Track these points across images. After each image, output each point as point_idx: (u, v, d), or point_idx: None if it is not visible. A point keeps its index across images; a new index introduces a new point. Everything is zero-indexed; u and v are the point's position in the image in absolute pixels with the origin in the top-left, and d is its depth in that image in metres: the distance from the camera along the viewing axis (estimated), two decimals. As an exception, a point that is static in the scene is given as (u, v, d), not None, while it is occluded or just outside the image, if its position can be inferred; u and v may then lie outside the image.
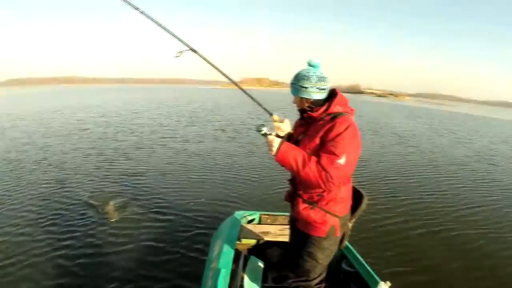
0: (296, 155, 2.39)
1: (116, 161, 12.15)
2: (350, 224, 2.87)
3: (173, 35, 2.92)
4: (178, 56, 2.91)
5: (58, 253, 5.66)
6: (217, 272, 3.27)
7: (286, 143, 2.48)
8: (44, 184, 9.28)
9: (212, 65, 2.99)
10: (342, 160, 2.30)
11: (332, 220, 2.65)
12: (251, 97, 3.08)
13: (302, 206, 2.70)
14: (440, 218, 7.77)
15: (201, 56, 2.95)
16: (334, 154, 2.31)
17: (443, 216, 7.90)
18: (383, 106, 59.69)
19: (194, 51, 2.94)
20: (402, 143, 18.40)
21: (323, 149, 2.39)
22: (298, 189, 2.77)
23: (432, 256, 6.02)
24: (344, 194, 2.68)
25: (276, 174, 10.69)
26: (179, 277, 5.04)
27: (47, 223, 6.76)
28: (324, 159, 2.32)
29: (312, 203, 2.66)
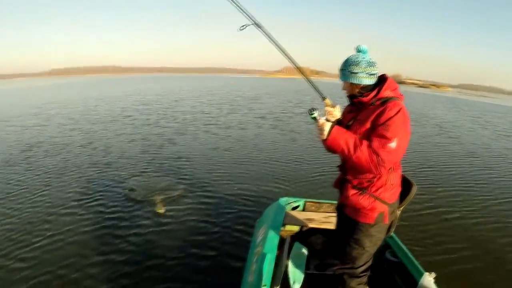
0: (347, 138, 2.38)
1: (160, 146, 12.41)
2: (398, 212, 2.83)
3: (239, 7, 2.91)
4: (242, 29, 2.98)
5: (104, 231, 5.83)
6: (262, 256, 3.27)
7: (337, 127, 2.47)
8: (90, 167, 9.59)
9: (275, 42, 2.91)
10: (393, 144, 2.29)
11: (381, 206, 2.62)
12: (307, 79, 2.98)
13: (351, 192, 2.68)
14: (478, 209, 7.55)
15: (264, 32, 2.91)
16: (386, 137, 2.30)
17: (483, 208, 7.66)
18: (424, 97, 57.81)
19: (258, 26, 2.92)
20: (442, 133, 17.90)
21: (374, 133, 2.37)
22: (347, 174, 2.75)
23: (470, 246, 5.88)
24: (394, 181, 2.65)
25: (320, 162, 10.63)
26: (224, 256, 5.11)
27: (93, 203, 6.97)
28: (376, 142, 2.32)
29: (361, 189, 2.64)
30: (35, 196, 7.30)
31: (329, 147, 2.47)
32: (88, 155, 10.84)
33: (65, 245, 5.37)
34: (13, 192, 7.50)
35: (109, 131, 15.02)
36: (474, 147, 14.99)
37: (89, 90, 47.04)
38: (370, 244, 2.74)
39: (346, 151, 2.35)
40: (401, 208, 2.86)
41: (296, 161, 10.70)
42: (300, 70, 3.03)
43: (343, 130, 2.46)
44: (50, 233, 5.72)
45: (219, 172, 9.26)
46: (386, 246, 3.89)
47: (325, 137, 2.43)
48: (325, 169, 9.82)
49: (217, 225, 6.09)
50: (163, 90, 44.09)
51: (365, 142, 2.34)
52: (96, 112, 21.51)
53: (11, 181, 8.27)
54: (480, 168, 11.38)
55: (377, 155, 2.28)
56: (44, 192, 7.52)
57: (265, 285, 2.85)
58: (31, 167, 9.48)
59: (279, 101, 31.59)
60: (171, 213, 6.48)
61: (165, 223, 6.08)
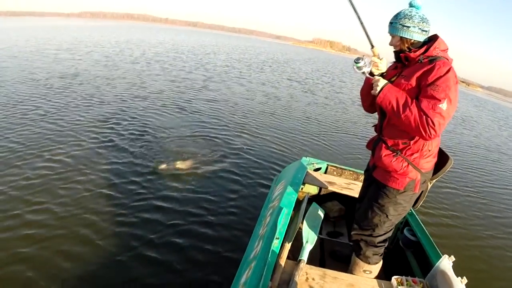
0: (398, 96, 2.28)
1: (191, 92, 12.91)
2: (429, 184, 2.66)
3: None
4: None
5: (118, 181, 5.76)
6: (278, 210, 3.23)
7: (390, 85, 2.37)
8: (125, 98, 10.26)
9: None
10: (444, 105, 2.14)
11: (413, 173, 2.49)
12: (361, 22, 2.56)
13: (384, 152, 2.55)
14: (489, 197, 7.87)
15: None
16: (436, 98, 2.15)
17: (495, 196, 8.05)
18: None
19: None
20: (463, 124, 18.55)
21: (423, 93, 2.24)
22: (383, 134, 2.62)
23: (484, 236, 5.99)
24: (432, 148, 2.49)
25: (349, 131, 10.85)
26: (241, 209, 5.13)
27: (121, 143, 7.06)
28: (425, 103, 2.17)
29: (396, 150, 2.51)
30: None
31: (380, 103, 2.36)
32: (125, 88, 11.66)
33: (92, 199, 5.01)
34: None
35: (143, 73, 15.69)
36: (489, 142, 15.37)
37: (122, 34, 47.40)
38: (394, 213, 2.63)
39: (396, 108, 2.26)
40: (433, 181, 2.69)
41: (325, 127, 10.86)
42: (355, 11, 2.56)
43: (395, 88, 2.35)
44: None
45: (245, 125, 9.49)
46: (404, 224, 3.81)
47: (377, 92, 2.35)
48: (352, 141, 9.95)
49: (236, 180, 6.08)
50: (196, 43, 44.40)
51: (416, 102, 2.21)
52: (132, 54, 22.24)
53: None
54: (489, 160, 11.88)
55: (427, 116, 2.13)
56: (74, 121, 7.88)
57: (278, 238, 2.81)
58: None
59: (311, 69, 31.80)
60: (196, 165, 6.42)
61: (187, 176, 5.96)
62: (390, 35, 2.49)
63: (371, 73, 2.57)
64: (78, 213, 4.51)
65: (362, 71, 2.50)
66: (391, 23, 2.45)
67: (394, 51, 2.55)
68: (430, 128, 2.14)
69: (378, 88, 2.35)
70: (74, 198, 4.88)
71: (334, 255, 3.69)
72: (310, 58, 46.55)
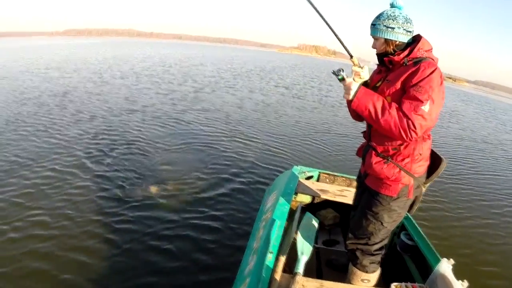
0: (374, 100, 2.23)
1: (182, 103, 13.16)
2: (423, 189, 2.61)
3: None
4: None
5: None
6: (271, 223, 3.18)
7: (364, 88, 2.32)
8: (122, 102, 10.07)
9: (320, 15, 2.52)
10: (426, 107, 2.11)
11: (406, 179, 2.44)
12: (336, 35, 2.57)
13: (375, 160, 2.51)
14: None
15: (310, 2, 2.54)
16: (418, 99, 2.12)
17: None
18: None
19: None
20: (451, 118, 19.37)
21: (406, 95, 2.20)
22: (372, 141, 2.58)
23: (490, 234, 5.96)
24: (423, 152, 2.44)
25: (340, 134, 10.99)
26: (231, 222, 5.12)
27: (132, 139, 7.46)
28: (407, 105, 2.14)
29: (386, 157, 2.46)
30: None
31: (355, 109, 2.31)
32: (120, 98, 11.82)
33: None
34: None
35: (133, 88, 15.81)
36: (473, 134, 15.89)
37: (108, 50, 47.32)
38: (389, 220, 2.58)
39: (373, 113, 2.21)
40: (427, 185, 2.64)
41: (314, 133, 10.84)
42: (335, 34, 2.56)
43: (370, 91, 2.31)
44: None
45: (236, 135, 9.56)
46: (401, 228, 3.72)
47: (351, 97, 2.29)
48: (343, 143, 10.01)
49: (226, 191, 6.08)
50: (182, 56, 44.61)
51: (394, 105, 2.18)
52: (121, 69, 22.48)
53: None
54: (475, 150, 12.35)
55: (408, 118, 2.10)
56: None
57: (271, 252, 2.76)
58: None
59: (298, 74, 32.19)
60: (176, 168, 6.71)
61: (176, 190, 6.00)
62: (373, 37, 2.42)
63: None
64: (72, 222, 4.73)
65: (345, 81, 2.44)
66: (373, 24, 2.38)
67: (377, 54, 2.49)
68: (411, 131, 2.11)
69: (352, 93, 2.30)
70: (68, 207, 5.17)
71: (331, 264, 3.61)
72: (296, 64, 47.01)
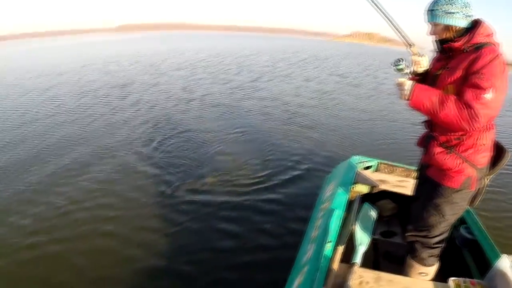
0: (431, 95, 2.15)
1: (239, 92, 13.47)
2: (486, 181, 2.51)
3: None
4: None
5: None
6: (330, 212, 3.18)
7: (418, 85, 2.23)
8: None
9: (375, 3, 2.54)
10: (489, 95, 2.00)
11: (469, 170, 2.35)
12: (392, 23, 2.54)
13: (437, 150, 2.44)
14: None
15: None
16: (480, 87, 2.02)
17: None
18: None
19: None
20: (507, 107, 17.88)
21: (467, 83, 2.11)
22: (434, 131, 2.51)
23: None
24: (486, 142, 2.34)
25: (398, 122, 10.66)
26: (289, 211, 5.20)
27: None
28: (469, 93, 2.05)
29: (449, 147, 2.39)
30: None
31: (412, 107, 2.24)
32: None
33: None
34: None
35: (190, 79, 16.39)
36: None
37: (162, 43, 48.59)
38: (450, 212, 2.51)
39: (431, 109, 2.14)
40: (490, 177, 2.54)
41: (370, 121, 10.67)
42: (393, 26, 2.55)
43: (425, 87, 2.22)
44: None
45: (294, 124, 9.61)
46: (460, 221, 3.58)
47: (406, 97, 2.21)
48: (401, 132, 9.72)
49: (284, 178, 6.19)
50: (236, 47, 44.90)
51: (451, 97, 2.09)
52: (177, 61, 23.05)
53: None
54: None
55: (470, 108, 2.01)
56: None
57: (330, 241, 2.76)
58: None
59: (352, 62, 31.63)
60: (237, 156, 6.89)
61: (234, 176, 6.17)
62: (431, 23, 2.33)
63: (414, 73, 2.53)
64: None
65: (405, 72, 2.46)
66: (431, 10, 2.28)
67: (436, 41, 2.40)
68: (474, 120, 2.03)
69: (407, 93, 2.21)
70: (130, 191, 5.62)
71: (388, 256, 3.56)
72: (350, 52, 46.13)
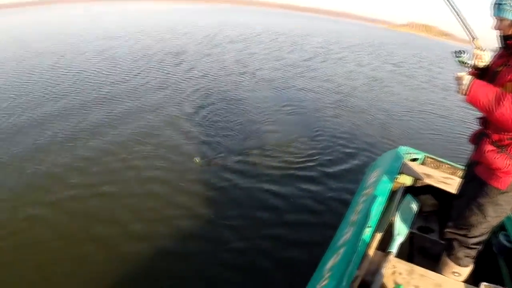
0: (488, 92, 2.09)
1: (291, 70, 13.50)
2: None
3: None
4: None
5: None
6: (372, 198, 3.18)
7: (477, 80, 2.17)
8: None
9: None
10: None
11: None
12: (458, 16, 2.53)
13: (488, 148, 2.35)
14: None
15: None
16: None
17: None
18: None
19: None
20: None
21: None
22: (487, 128, 2.42)
23: None
24: None
25: (448, 117, 10.46)
26: (331, 194, 5.27)
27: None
28: None
29: (500, 146, 2.29)
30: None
31: (468, 102, 2.18)
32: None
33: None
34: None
35: (243, 53, 16.57)
36: None
37: (215, 16, 48.59)
38: (493, 214, 2.42)
39: (487, 107, 2.08)
40: None
41: (420, 113, 10.51)
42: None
43: (483, 83, 2.16)
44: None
45: (344, 107, 9.63)
46: (500, 227, 3.42)
47: (464, 92, 2.15)
48: (451, 128, 9.53)
49: (328, 162, 6.24)
50: (291, 25, 44.46)
51: (509, 96, 2.00)
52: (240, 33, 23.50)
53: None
54: None
55: None
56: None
57: (369, 226, 2.78)
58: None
59: (407, 53, 30.93)
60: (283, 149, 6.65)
61: (277, 154, 6.29)
62: (497, 18, 2.21)
63: (475, 67, 2.45)
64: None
65: (466, 64, 2.40)
66: (498, 4, 2.16)
67: (501, 36, 2.29)
68: None
69: (465, 88, 2.15)
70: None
71: (423, 251, 3.49)
72: (405, 43, 44.73)
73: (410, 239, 3.58)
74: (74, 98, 8.12)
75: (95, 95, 8.43)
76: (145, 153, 5.84)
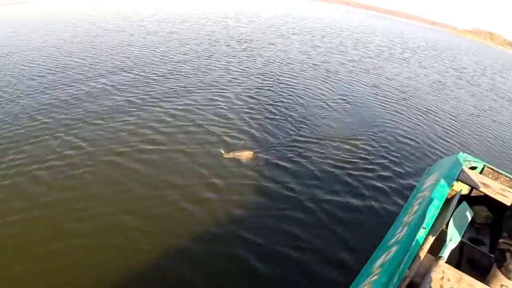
0: None
1: (352, 66, 13.78)
2: None
3: None
4: None
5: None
6: (428, 201, 3.17)
7: None
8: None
9: None
10: None
11: None
12: None
13: None
14: None
15: None
16: None
17: None
18: None
19: None
20: None
21: None
22: None
23: None
24: None
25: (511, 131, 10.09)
26: (384, 195, 5.41)
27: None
28: None
29: None
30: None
31: None
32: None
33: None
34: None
35: (306, 44, 16.92)
36: None
37: (278, 8, 48.86)
38: None
39: None
40: None
41: (481, 121, 10.39)
42: None
43: None
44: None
45: (404, 106, 9.75)
46: None
47: None
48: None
49: (387, 156, 6.43)
50: (353, 22, 44.26)
51: None
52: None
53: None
54: None
55: None
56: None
57: (424, 228, 2.79)
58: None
59: (471, 60, 30.17)
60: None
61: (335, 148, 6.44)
62: None
63: None
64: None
65: None
66: None
67: None
68: None
69: None
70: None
71: (471, 263, 3.38)
72: (468, 49, 43.56)
73: (460, 248, 3.53)
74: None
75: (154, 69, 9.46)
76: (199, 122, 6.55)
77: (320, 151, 6.18)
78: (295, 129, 6.82)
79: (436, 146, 7.47)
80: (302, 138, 6.51)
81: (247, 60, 11.52)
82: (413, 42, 32.71)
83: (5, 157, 5.04)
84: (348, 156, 6.18)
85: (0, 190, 4.42)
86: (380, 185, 5.55)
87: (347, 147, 6.53)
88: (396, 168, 6.13)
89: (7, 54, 9.69)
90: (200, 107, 7.18)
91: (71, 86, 7.74)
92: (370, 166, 6.01)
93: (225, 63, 10.78)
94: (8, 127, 5.87)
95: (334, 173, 5.64)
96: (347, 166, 5.89)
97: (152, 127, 6.17)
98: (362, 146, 6.67)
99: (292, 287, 3.68)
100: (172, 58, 10.68)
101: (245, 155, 5.77)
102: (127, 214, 4.22)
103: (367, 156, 6.32)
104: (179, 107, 7.05)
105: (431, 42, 39.81)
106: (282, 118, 7.24)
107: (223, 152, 5.74)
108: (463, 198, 4.10)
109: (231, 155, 5.69)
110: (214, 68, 10.07)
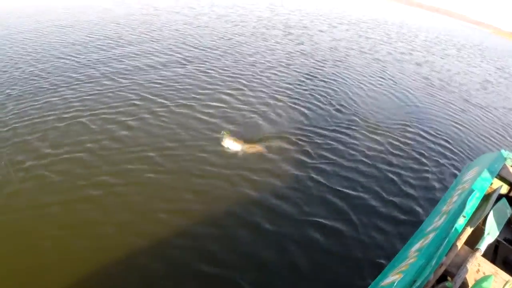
0: None
1: (388, 63, 13.60)
2: None
3: None
4: None
5: None
6: (469, 192, 3.14)
7: None
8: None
9: None
10: None
11: None
12: None
13: None
14: None
15: None
16: None
17: None
18: None
19: None
20: None
21: None
22: None
23: None
24: None
25: None
26: (421, 188, 5.47)
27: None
28: None
29: None
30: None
31: None
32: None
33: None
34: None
35: (334, 37, 16.99)
36: None
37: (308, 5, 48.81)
38: None
39: None
40: None
41: None
42: None
43: None
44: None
45: (445, 96, 9.87)
46: None
47: None
48: None
49: (421, 159, 6.30)
50: (392, 18, 43.67)
51: None
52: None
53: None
54: None
55: None
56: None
57: (464, 217, 2.77)
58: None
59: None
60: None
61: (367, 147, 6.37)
62: None
63: None
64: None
65: None
66: None
67: None
68: None
69: None
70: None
71: (506, 263, 3.33)
72: (510, 51, 42.76)
73: (495, 247, 3.49)
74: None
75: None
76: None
77: (354, 141, 6.34)
78: (327, 117, 7.11)
79: (475, 143, 7.48)
80: (330, 129, 6.67)
81: (289, 43, 12.55)
82: (458, 40, 32.09)
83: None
84: (381, 148, 6.31)
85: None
86: (419, 179, 5.69)
87: (379, 139, 6.62)
88: (434, 162, 6.22)
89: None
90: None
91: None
92: (403, 163, 6.08)
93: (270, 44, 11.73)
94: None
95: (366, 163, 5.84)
96: (377, 161, 6.00)
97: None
98: (399, 137, 6.78)
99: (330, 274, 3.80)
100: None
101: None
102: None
103: (403, 149, 6.44)
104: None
105: (474, 41, 38.98)
106: (324, 104, 7.60)
107: (225, 133, 5.76)
108: (503, 194, 4.08)
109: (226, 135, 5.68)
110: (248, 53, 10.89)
